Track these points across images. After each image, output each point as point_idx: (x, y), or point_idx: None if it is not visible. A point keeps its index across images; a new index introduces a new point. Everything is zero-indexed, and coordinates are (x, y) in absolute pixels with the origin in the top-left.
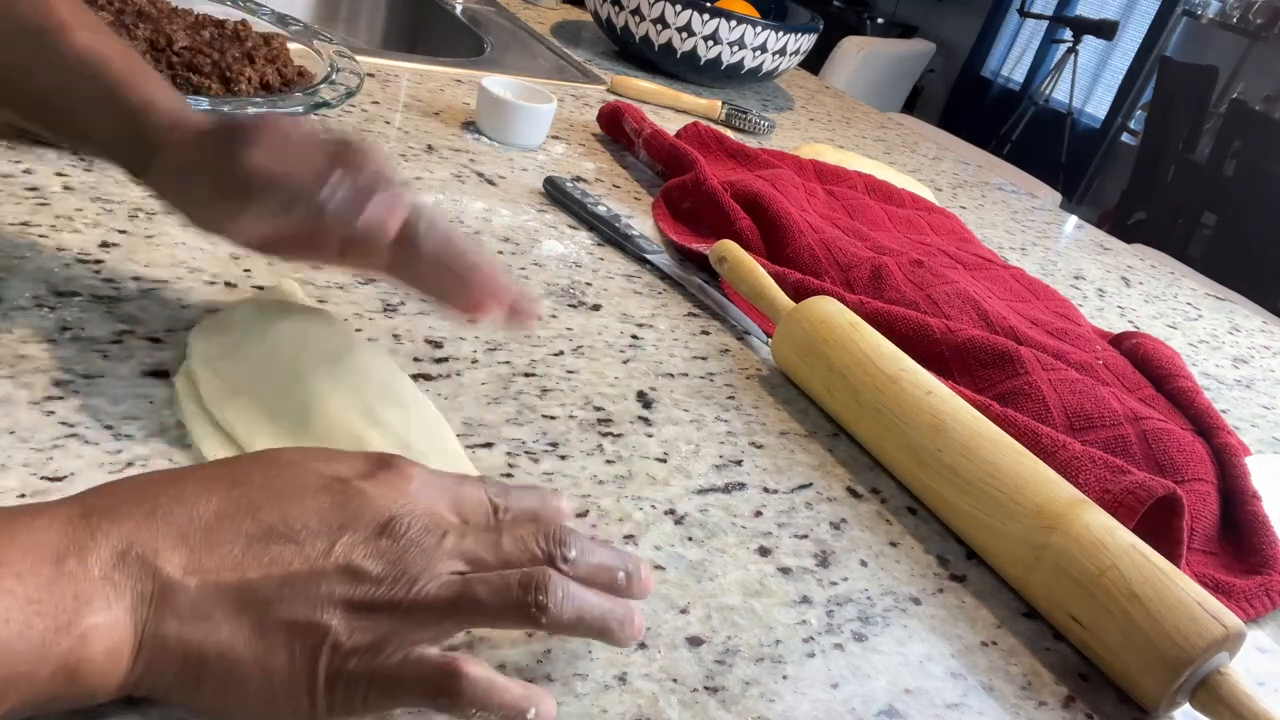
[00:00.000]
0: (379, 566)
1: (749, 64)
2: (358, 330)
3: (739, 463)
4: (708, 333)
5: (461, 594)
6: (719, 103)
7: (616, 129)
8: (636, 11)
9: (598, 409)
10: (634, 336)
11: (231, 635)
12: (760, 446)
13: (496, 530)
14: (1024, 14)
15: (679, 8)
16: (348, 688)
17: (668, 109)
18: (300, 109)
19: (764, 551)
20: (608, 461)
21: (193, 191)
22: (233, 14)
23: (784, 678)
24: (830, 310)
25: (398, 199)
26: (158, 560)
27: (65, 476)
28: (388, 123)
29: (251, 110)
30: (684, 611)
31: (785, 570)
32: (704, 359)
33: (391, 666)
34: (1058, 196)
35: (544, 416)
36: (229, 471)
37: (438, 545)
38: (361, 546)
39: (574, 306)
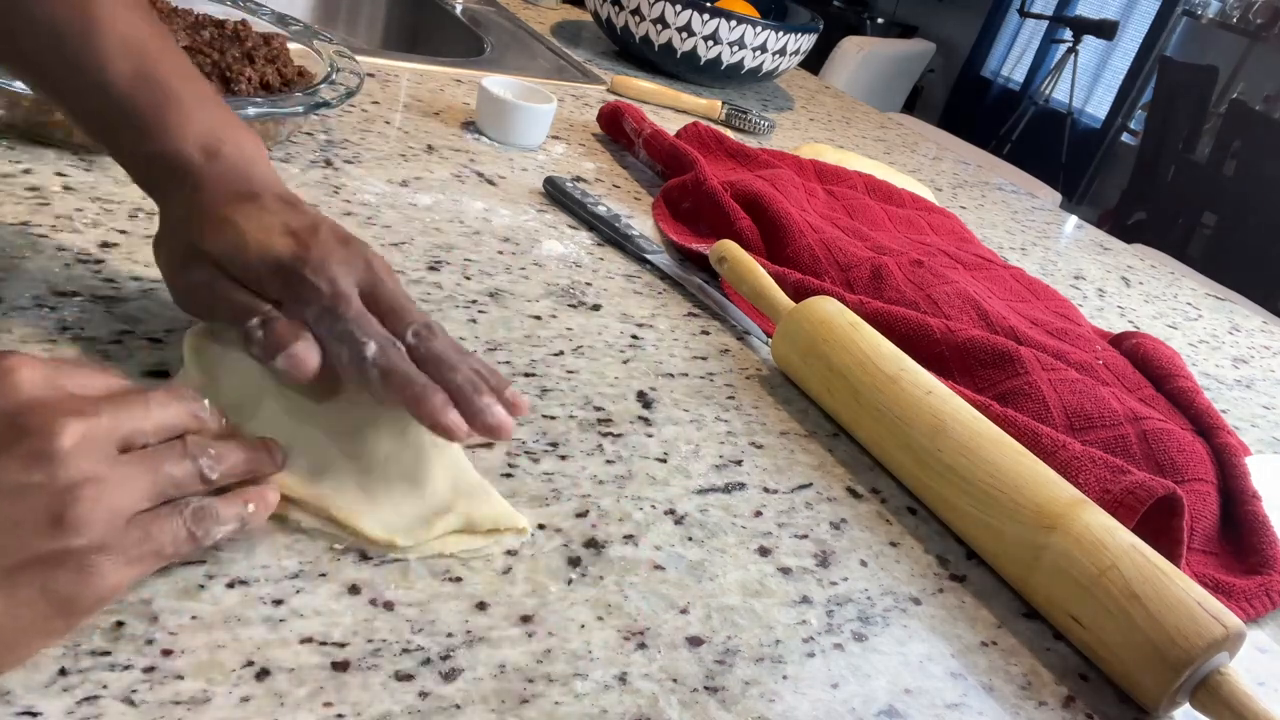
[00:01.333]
0: (34, 472)
1: (749, 64)
2: None
3: (739, 463)
4: (708, 333)
5: (143, 462)
6: (719, 103)
7: (616, 129)
8: (636, 11)
9: (598, 409)
10: (634, 336)
11: None
12: (760, 446)
13: (138, 396)
14: (1024, 14)
15: (679, 8)
16: (94, 585)
17: (668, 109)
18: (300, 109)
19: (764, 551)
20: (608, 461)
21: (167, 243)
22: (233, 14)
23: (784, 678)
24: (830, 310)
25: (310, 347)
26: None
27: None
28: (388, 123)
29: (251, 110)
30: (684, 611)
31: (785, 570)
32: (704, 359)
33: (128, 540)
34: (1058, 196)
35: (544, 416)
36: None
37: (68, 408)
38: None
39: (574, 306)
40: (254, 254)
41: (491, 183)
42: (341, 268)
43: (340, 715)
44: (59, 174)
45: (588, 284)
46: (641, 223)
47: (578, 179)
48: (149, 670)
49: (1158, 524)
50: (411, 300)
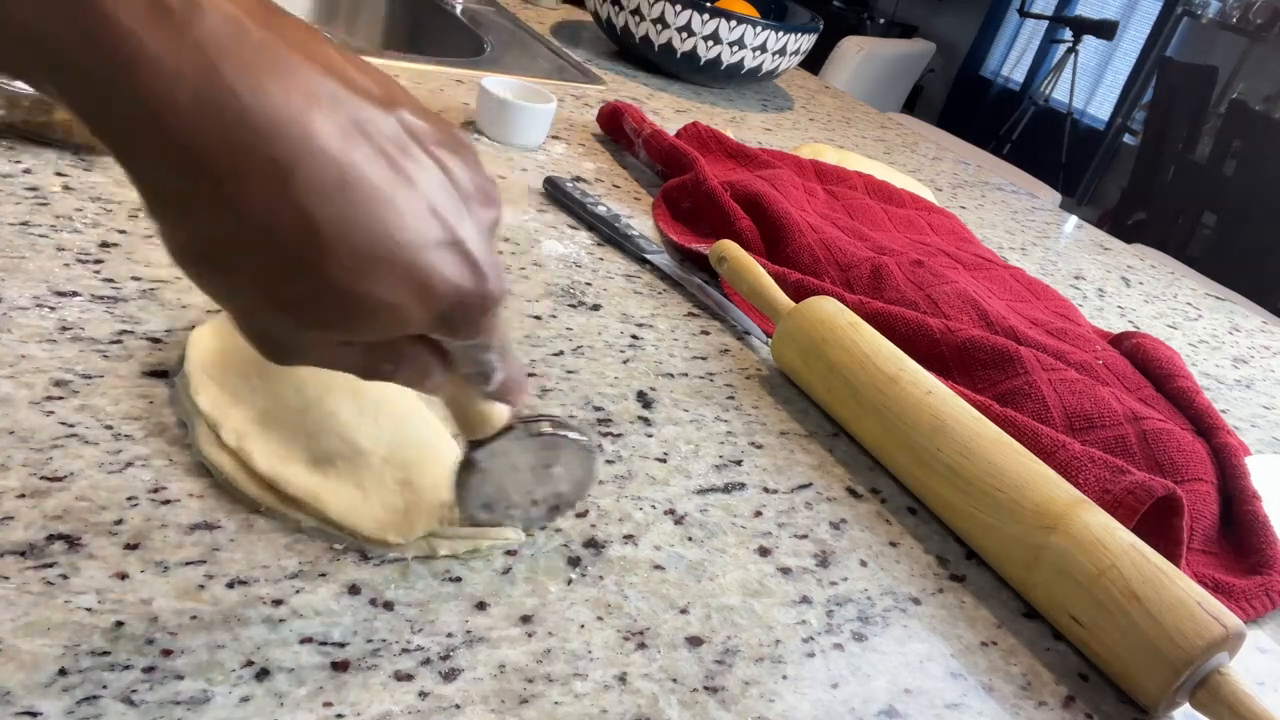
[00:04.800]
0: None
1: (749, 64)
2: None
3: (739, 463)
4: (708, 333)
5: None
6: None
7: (616, 129)
8: (636, 11)
9: (598, 409)
10: (634, 336)
11: None
12: (760, 446)
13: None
14: (1024, 14)
15: (679, 8)
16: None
17: (667, 109)
18: None
19: (764, 551)
20: (608, 461)
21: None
22: None
23: (784, 678)
24: (830, 310)
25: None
26: None
27: (65, 476)
28: None
29: None
30: (684, 611)
31: (785, 570)
32: (704, 359)
33: None
34: (1058, 196)
35: None
36: None
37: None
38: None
39: (574, 306)
40: (418, 313)
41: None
42: (501, 280)
43: (340, 715)
44: (59, 174)
45: (588, 284)
46: (641, 223)
47: (578, 179)
48: (149, 670)
49: (1158, 524)
50: None
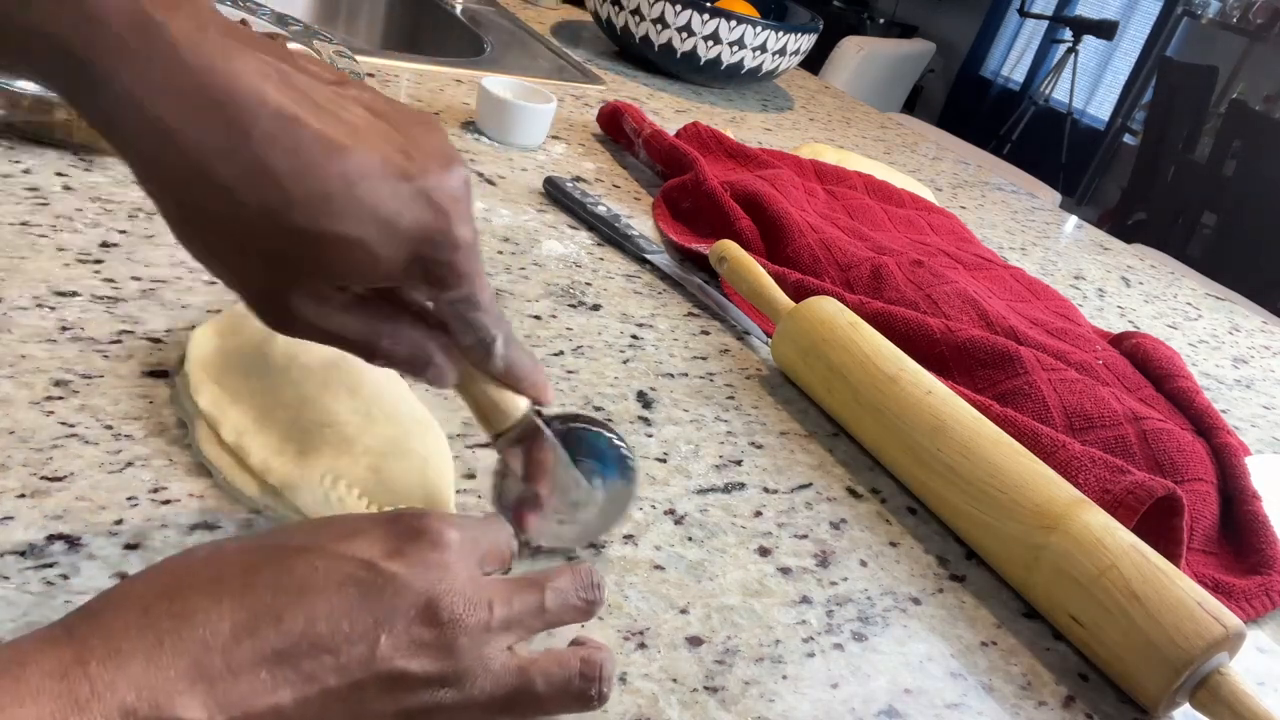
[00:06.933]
0: (426, 664)
1: (749, 64)
2: None
3: (739, 463)
4: (708, 333)
5: (520, 690)
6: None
7: (616, 129)
8: (636, 11)
9: (598, 409)
10: (634, 336)
11: None
12: (760, 446)
13: (536, 588)
14: (1024, 14)
15: (679, 8)
16: None
17: (666, 109)
18: None
19: (764, 551)
20: None
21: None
22: (233, 14)
23: (784, 678)
24: (830, 310)
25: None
26: (175, 709)
27: (65, 476)
28: None
29: None
30: (684, 611)
31: (785, 570)
32: (704, 359)
33: None
34: (1058, 196)
35: None
36: (235, 570)
37: (484, 624)
38: (404, 644)
39: (574, 306)
40: (385, 249)
41: (491, 183)
42: (469, 228)
43: None
44: (59, 174)
45: (588, 284)
46: (641, 223)
47: (578, 179)
48: None
49: (1158, 524)
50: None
